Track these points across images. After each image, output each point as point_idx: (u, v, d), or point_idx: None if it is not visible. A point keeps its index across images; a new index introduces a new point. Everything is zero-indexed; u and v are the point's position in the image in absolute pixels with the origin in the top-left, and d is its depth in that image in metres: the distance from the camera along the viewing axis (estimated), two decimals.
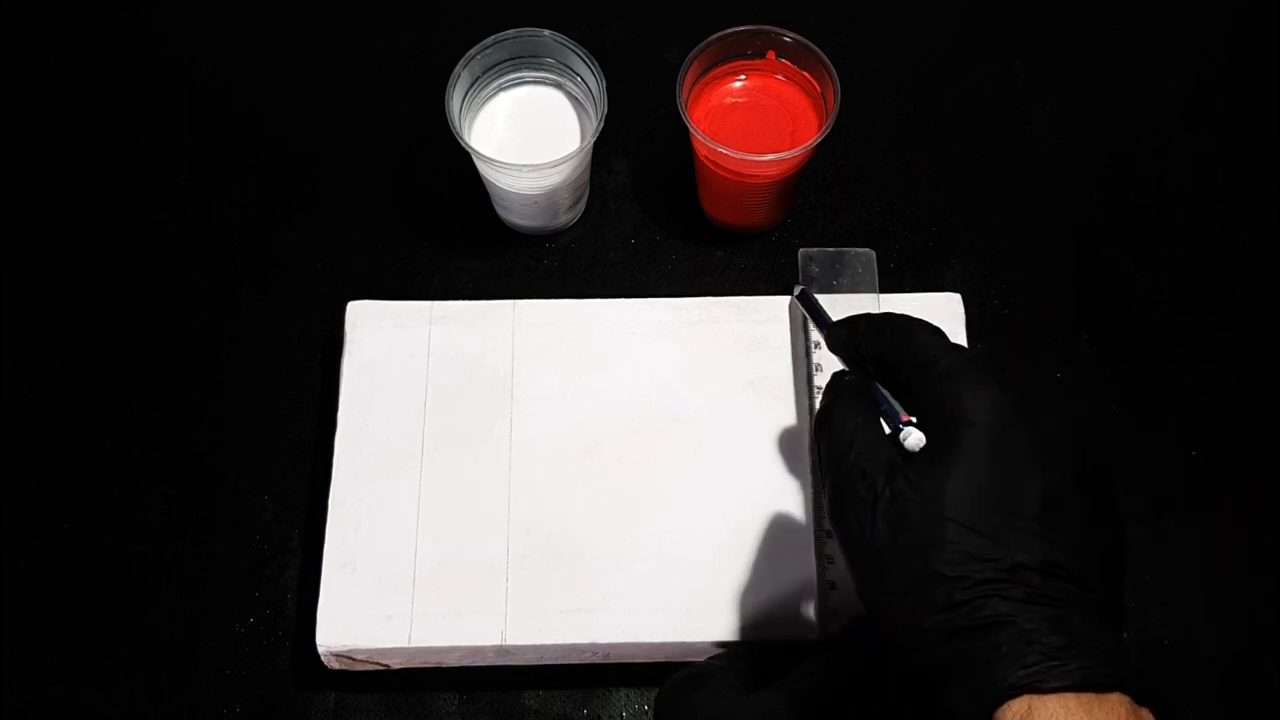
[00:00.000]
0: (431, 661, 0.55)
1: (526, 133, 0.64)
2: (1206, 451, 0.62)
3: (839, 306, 0.59)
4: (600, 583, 0.55)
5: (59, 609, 0.59)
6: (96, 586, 0.59)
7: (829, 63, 0.61)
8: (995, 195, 0.69)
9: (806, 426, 0.58)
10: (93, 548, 0.60)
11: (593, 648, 0.55)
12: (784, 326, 0.61)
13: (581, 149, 0.61)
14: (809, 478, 0.57)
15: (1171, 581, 0.59)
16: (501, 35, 0.62)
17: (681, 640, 0.54)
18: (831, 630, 0.54)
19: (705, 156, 0.62)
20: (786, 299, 0.61)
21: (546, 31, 0.62)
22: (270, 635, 0.58)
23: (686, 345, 0.60)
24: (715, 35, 0.61)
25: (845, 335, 0.48)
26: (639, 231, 0.68)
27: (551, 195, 0.63)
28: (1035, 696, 0.36)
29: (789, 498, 0.57)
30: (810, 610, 0.54)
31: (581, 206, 0.67)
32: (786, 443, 0.58)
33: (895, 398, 0.45)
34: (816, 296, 0.57)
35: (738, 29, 0.62)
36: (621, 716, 0.57)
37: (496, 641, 0.54)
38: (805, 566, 0.55)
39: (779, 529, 0.56)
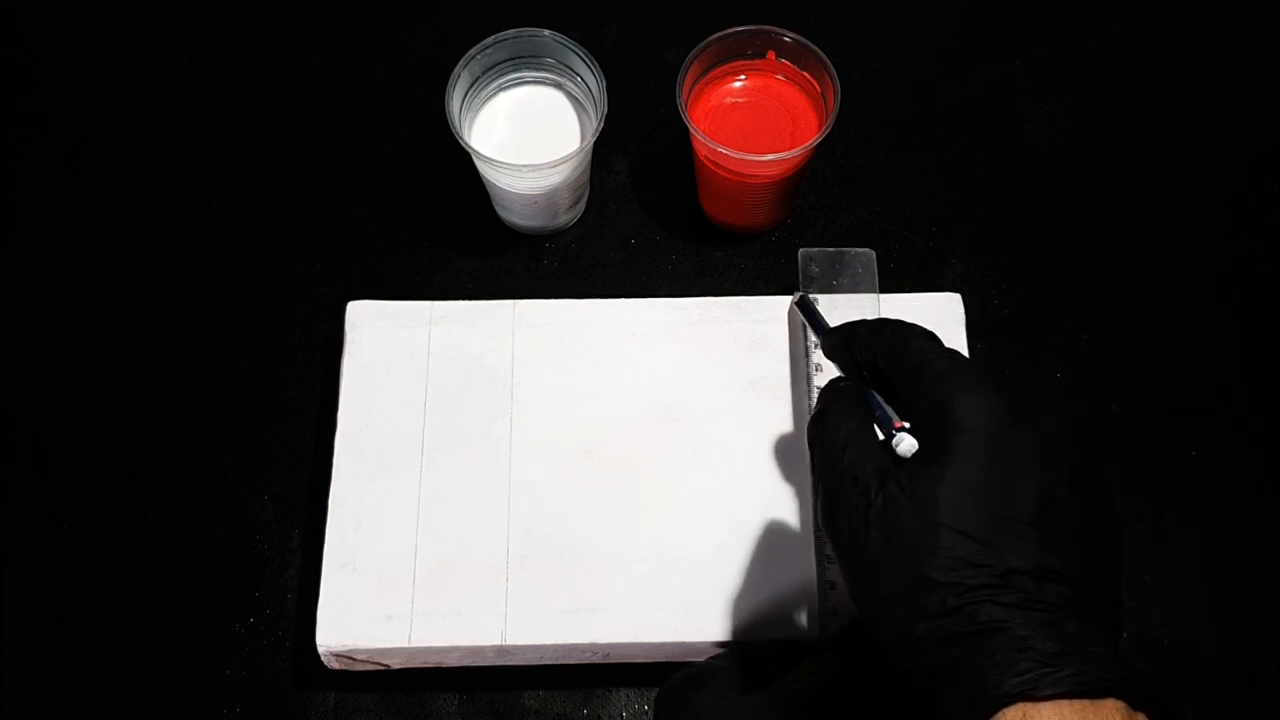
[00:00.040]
0: (431, 661, 0.55)
1: (526, 133, 0.64)
2: (1206, 451, 0.62)
3: (839, 306, 0.59)
4: (600, 583, 0.55)
5: (59, 609, 0.59)
6: (96, 586, 0.59)
7: (829, 63, 0.61)
8: (995, 195, 0.69)
9: (806, 426, 0.58)
10: (93, 548, 0.60)
11: (593, 648, 0.55)
12: (784, 326, 0.61)
13: (581, 149, 0.61)
14: (809, 478, 0.57)
15: (1171, 581, 0.59)
16: (501, 35, 0.62)
17: (681, 640, 0.54)
18: (831, 630, 0.54)
19: (705, 156, 0.62)
20: (786, 299, 0.61)
21: (546, 31, 0.62)
22: (270, 635, 0.58)
23: (686, 345, 0.60)
24: (715, 35, 0.61)
25: (841, 342, 0.48)
26: (639, 231, 0.68)
27: (551, 195, 0.63)
28: (1029, 704, 0.36)
29: (789, 497, 0.57)
30: (810, 610, 0.54)
31: (581, 206, 0.67)
32: (786, 443, 0.58)
33: (891, 404, 0.45)
34: (816, 301, 0.57)
35: (738, 29, 0.62)
36: (621, 716, 0.57)
37: (496, 641, 0.54)
38: (805, 567, 0.55)
39: (779, 529, 0.56)
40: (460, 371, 0.59)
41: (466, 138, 0.62)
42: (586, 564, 0.55)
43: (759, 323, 0.61)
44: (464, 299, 0.61)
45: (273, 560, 0.60)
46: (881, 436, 0.44)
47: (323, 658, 0.54)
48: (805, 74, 0.62)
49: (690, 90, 0.62)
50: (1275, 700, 0.57)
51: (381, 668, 0.55)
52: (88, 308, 0.66)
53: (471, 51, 0.61)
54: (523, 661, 0.55)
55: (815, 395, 0.57)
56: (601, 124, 0.60)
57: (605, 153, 0.69)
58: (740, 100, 0.64)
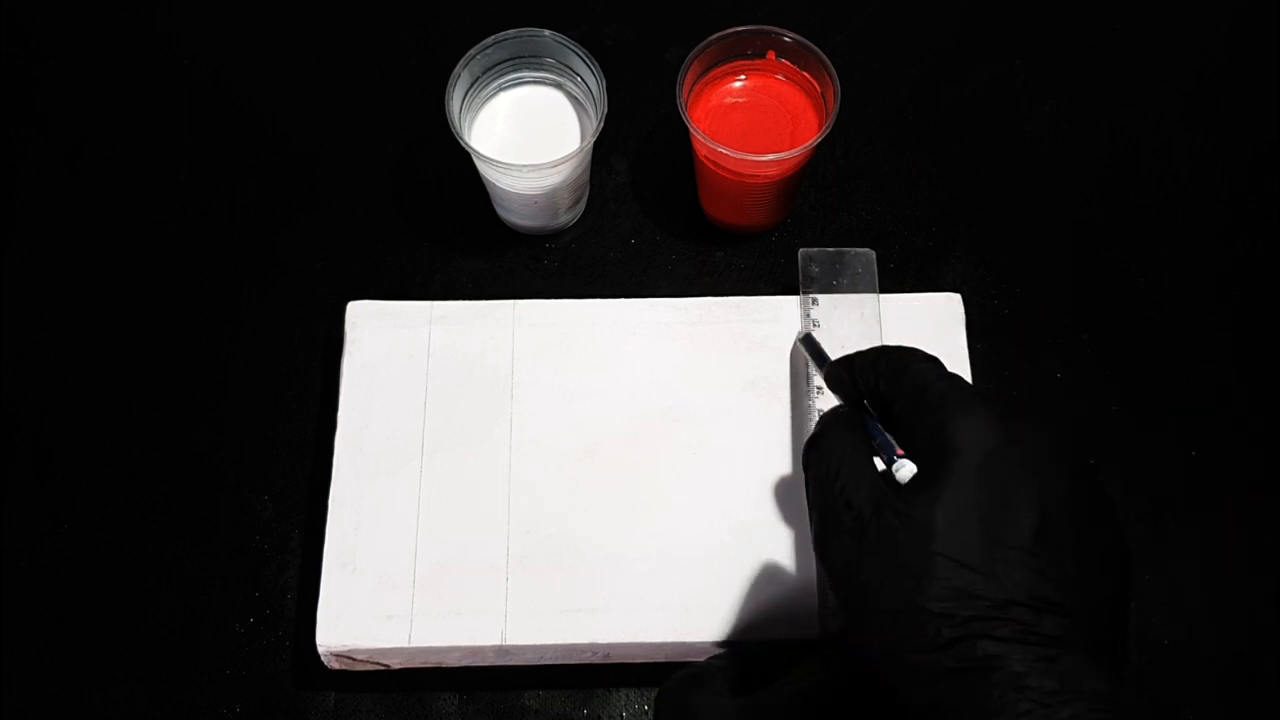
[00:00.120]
0: (431, 661, 0.55)
1: (526, 133, 0.64)
2: (1206, 451, 0.62)
3: (839, 306, 0.59)
4: (600, 583, 0.55)
5: (59, 609, 0.59)
6: (96, 586, 0.59)
7: (829, 63, 0.61)
8: (995, 195, 0.69)
9: (806, 427, 0.58)
10: (93, 548, 0.60)
11: (593, 648, 0.55)
12: (784, 327, 0.61)
13: (581, 149, 0.61)
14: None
15: (1171, 581, 0.59)
16: (501, 35, 0.62)
17: (681, 640, 0.54)
18: (831, 630, 0.54)
19: (705, 156, 0.62)
20: (787, 299, 0.61)
21: (546, 31, 0.62)
22: (270, 635, 0.58)
23: (686, 345, 0.60)
24: (715, 35, 0.61)
25: (843, 372, 0.48)
26: (639, 231, 0.68)
27: (551, 195, 0.63)
28: None
29: (789, 497, 0.57)
30: (810, 610, 0.54)
31: (581, 206, 0.67)
32: (786, 443, 0.58)
33: (892, 433, 0.45)
34: (819, 342, 0.56)
35: (738, 29, 0.62)
36: (621, 716, 0.57)
37: (496, 641, 0.54)
38: (805, 566, 0.55)
39: (779, 529, 0.56)
40: (460, 371, 0.59)
41: (466, 138, 0.62)
42: (586, 564, 0.55)
43: (759, 323, 0.61)
44: (464, 299, 0.61)
45: (273, 560, 0.60)
46: (882, 466, 0.44)
47: (323, 658, 0.54)
48: (805, 74, 0.62)
49: (690, 90, 0.62)
50: (1275, 700, 0.57)
51: (381, 668, 0.55)
52: (88, 308, 0.66)
53: (471, 51, 0.61)
54: (523, 661, 0.55)
55: (816, 395, 0.57)
56: (601, 124, 0.60)
57: (605, 153, 0.69)
58: (740, 100, 0.64)
